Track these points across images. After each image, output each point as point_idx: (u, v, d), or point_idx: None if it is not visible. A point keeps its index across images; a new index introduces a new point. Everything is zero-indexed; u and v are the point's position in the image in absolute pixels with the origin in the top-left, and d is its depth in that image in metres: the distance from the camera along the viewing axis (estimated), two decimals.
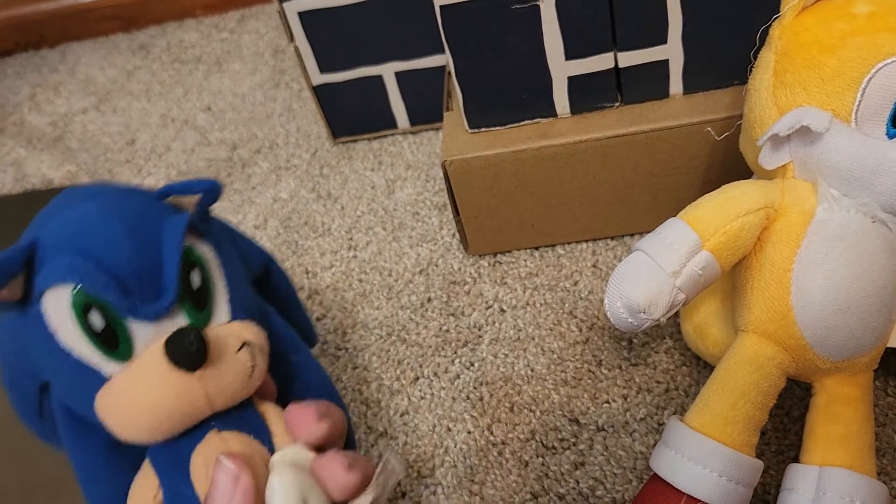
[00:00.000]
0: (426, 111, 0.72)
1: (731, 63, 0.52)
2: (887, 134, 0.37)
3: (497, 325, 0.56)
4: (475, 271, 0.60)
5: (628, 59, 0.52)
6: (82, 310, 0.31)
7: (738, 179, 0.42)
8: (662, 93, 0.54)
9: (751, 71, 0.43)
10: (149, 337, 0.32)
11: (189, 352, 0.31)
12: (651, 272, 0.38)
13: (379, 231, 0.65)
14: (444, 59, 0.68)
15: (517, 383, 0.52)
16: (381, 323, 0.58)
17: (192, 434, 0.33)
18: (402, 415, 0.52)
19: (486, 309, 0.57)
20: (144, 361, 0.32)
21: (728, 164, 0.53)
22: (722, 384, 0.40)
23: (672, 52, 0.52)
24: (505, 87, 0.54)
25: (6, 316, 0.34)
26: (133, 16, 1.01)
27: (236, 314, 0.35)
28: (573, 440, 0.48)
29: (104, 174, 0.79)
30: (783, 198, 0.39)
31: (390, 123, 0.73)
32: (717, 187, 0.41)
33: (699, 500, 0.38)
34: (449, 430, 0.50)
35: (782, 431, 0.46)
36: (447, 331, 0.56)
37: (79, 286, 0.31)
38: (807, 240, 0.38)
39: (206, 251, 0.35)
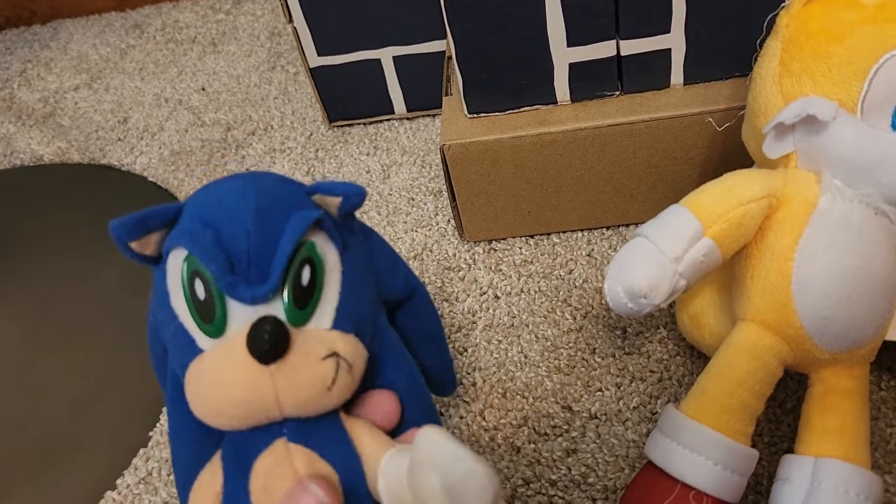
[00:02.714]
0: (423, 97, 0.72)
1: (732, 55, 0.52)
2: (892, 125, 0.37)
3: (491, 311, 0.55)
4: (470, 257, 0.59)
5: (630, 47, 0.52)
6: (190, 276, 0.31)
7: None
8: (663, 82, 0.54)
9: (756, 60, 0.43)
10: (244, 320, 0.31)
11: (262, 340, 0.30)
12: (653, 257, 0.38)
13: (374, 216, 0.64)
14: (442, 45, 0.68)
15: (510, 369, 0.51)
16: None
17: (262, 437, 0.32)
18: None
19: (481, 295, 0.56)
20: (231, 343, 0.31)
21: (727, 155, 0.53)
22: (719, 372, 0.40)
23: (674, 41, 0.52)
24: (505, 72, 0.53)
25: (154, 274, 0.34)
26: None
27: (340, 324, 0.33)
28: (566, 427, 0.48)
29: (95, 152, 0.78)
30: (786, 187, 0.39)
31: (387, 108, 0.73)
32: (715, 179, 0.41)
33: (694, 488, 0.38)
34: (441, 414, 0.50)
35: (775, 423, 0.46)
36: (441, 316, 0.56)
37: (190, 252, 0.31)
38: (809, 229, 0.38)
39: (328, 252, 0.33)
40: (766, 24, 0.43)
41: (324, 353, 0.32)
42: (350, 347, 0.33)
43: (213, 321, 0.31)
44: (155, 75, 0.87)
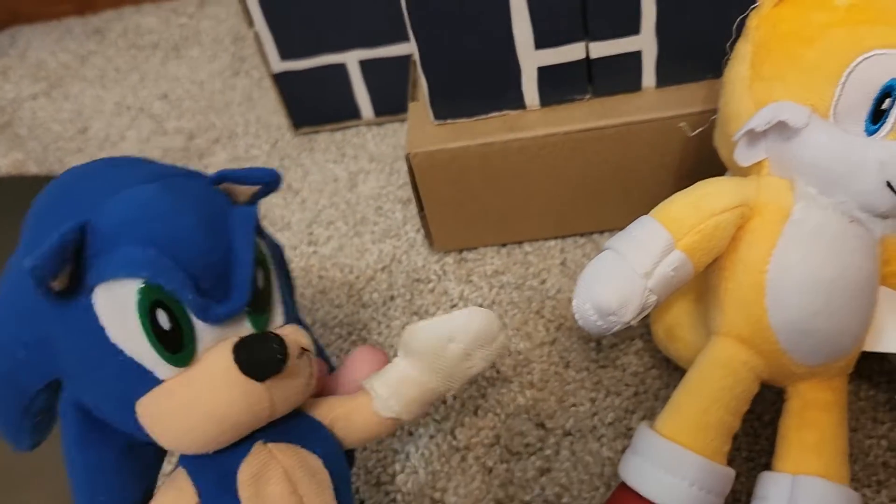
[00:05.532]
0: (391, 102, 0.70)
1: (705, 56, 0.50)
2: (866, 130, 0.36)
3: None
4: (440, 268, 0.58)
5: (600, 49, 0.50)
6: (149, 307, 0.28)
7: (712, 176, 0.41)
8: (635, 85, 0.52)
9: (726, 63, 0.42)
10: (210, 340, 0.30)
11: (271, 358, 0.29)
12: (622, 273, 0.36)
13: (340, 226, 0.62)
14: (410, 48, 0.66)
15: (482, 385, 0.50)
16: (342, 322, 0.55)
17: (237, 447, 0.31)
18: None
19: (451, 307, 0.55)
20: (209, 367, 0.29)
21: (701, 159, 0.52)
22: (694, 389, 0.38)
23: (645, 43, 0.50)
24: (472, 76, 0.52)
25: (29, 304, 0.29)
26: None
27: (288, 318, 0.33)
28: (539, 445, 0.46)
29: (54, 163, 0.76)
30: (759, 196, 0.38)
31: (354, 114, 0.71)
32: (691, 184, 0.40)
33: None
34: (410, 434, 0.48)
35: (753, 437, 0.45)
36: None
37: (148, 282, 0.28)
38: (782, 240, 0.37)
39: (264, 248, 0.33)
40: (735, 26, 0.41)
41: (296, 351, 0.32)
42: (305, 337, 0.33)
43: (181, 350, 0.29)
44: (116, 82, 0.85)
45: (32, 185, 0.75)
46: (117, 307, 0.28)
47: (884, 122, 0.36)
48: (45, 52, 0.92)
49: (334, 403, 0.36)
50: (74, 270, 0.29)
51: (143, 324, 0.28)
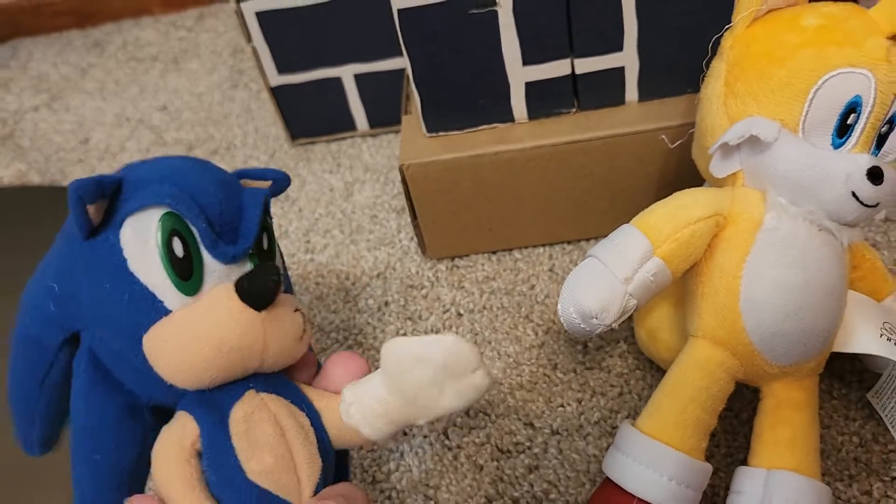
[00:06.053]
0: (386, 114, 0.72)
1: (685, 71, 0.53)
2: (833, 144, 0.38)
3: (454, 328, 0.56)
4: (433, 275, 0.60)
5: (585, 65, 0.53)
6: (168, 234, 0.32)
7: (693, 185, 0.43)
8: (618, 99, 0.55)
9: (703, 80, 0.44)
10: (217, 278, 0.34)
11: (266, 285, 0.33)
12: (603, 278, 0.39)
13: (336, 234, 0.64)
14: (403, 62, 0.68)
15: None
16: (338, 327, 0.57)
17: (231, 391, 0.35)
18: None
19: (444, 313, 0.57)
20: (212, 297, 0.33)
21: (682, 170, 0.54)
22: (672, 389, 0.40)
23: (628, 59, 0.52)
24: (463, 91, 0.54)
25: (66, 259, 0.34)
26: (88, 12, 0.99)
27: (287, 289, 0.38)
28: (528, 444, 0.48)
29: (56, 173, 0.78)
30: (733, 206, 0.40)
31: (349, 125, 0.73)
32: (671, 193, 0.42)
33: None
34: (404, 434, 0.50)
35: (732, 434, 0.47)
36: (404, 335, 0.56)
37: (171, 210, 0.32)
38: (755, 247, 0.39)
39: (270, 224, 0.38)
40: (711, 45, 0.44)
41: (293, 307, 0.36)
42: (299, 304, 0.37)
43: (190, 277, 0.33)
44: (116, 94, 0.87)
45: (34, 196, 0.77)
46: (140, 236, 0.33)
47: (849, 136, 0.38)
48: (47, 65, 0.94)
49: (315, 394, 0.38)
50: (108, 208, 0.33)
51: (162, 245, 0.32)
